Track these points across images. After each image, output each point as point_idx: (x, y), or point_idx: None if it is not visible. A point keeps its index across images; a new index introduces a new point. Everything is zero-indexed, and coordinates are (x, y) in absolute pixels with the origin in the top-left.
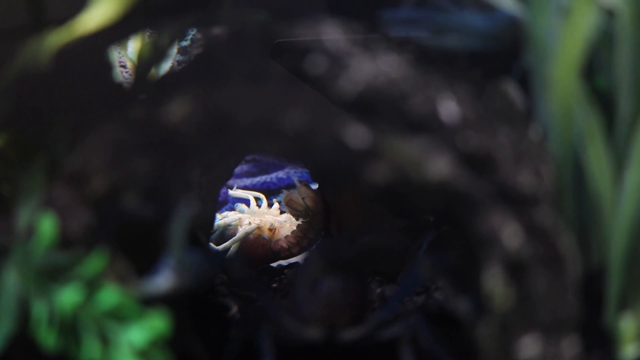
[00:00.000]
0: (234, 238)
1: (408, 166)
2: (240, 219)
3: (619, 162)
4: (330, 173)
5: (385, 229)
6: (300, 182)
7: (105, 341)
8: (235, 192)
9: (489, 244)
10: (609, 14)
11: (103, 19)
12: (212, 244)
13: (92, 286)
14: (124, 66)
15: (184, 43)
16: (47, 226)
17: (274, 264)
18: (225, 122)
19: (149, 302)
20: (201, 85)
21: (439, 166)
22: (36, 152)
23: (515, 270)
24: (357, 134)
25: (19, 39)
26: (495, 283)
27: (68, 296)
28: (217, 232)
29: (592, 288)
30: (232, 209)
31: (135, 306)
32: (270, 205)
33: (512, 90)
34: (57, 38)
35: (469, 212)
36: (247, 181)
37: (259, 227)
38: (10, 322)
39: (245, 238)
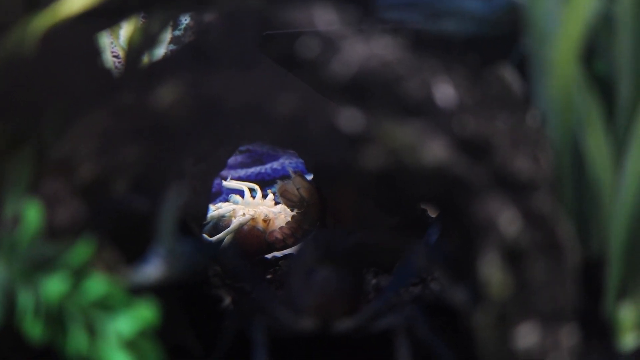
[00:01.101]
0: (228, 229)
1: (403, 151)
2: (234, 210)
3: (619, 148)
4: (325, 163)
5: (377, 227)
6: (294, 172)
7: (92, 331)
8: (229, 183)
9: (486, 230)
10: None
11: (87, 1)
12: (205, 235)
13: (79, 275)
14: (116, 56)
15: (177, 32)
16: (33, 215)
17: (269, 256)
18: (216, 107)
19: (139, 292)
20: (192, 71)
21: (435, 151)
22: (23, 141)
23: (513, 257)
24: (350, 118)
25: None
26: (492, 270)
27: (54, 286)
28: (210, 224)
29: (591, 276)
30: (226, 200)
31: (123, 296)
32: (264, 196)
33: (509, 75)
34: (41, 21)
35: (466, 198)
36: (242, 172)
37: (253, 218)
38: None
39: (240, 229)
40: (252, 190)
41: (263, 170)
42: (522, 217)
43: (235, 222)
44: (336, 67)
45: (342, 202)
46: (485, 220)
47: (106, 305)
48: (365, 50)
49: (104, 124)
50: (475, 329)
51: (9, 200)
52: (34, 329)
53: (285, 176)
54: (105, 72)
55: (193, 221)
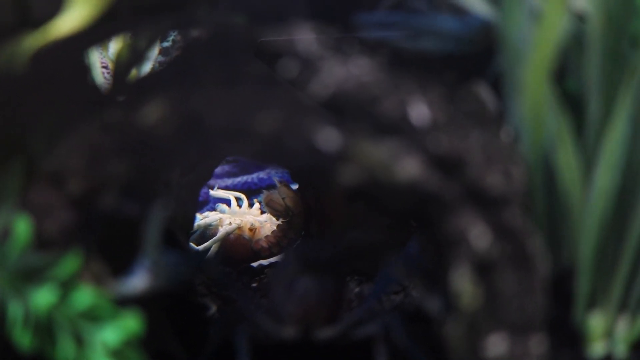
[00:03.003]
0: (214, 238)
1: (378, 168)
2: (221, 219)
3: (588, 164)
4: (309, 173)
5: (368, 226)
6: (280, 182)
7: (80, 341)
8: (216, 192)
9: (457, 244)
10: (579, 19)
11: (77, 22)
12: (192, 244)
13: (67, 287)
14: (105, 67)
15: (166, 44)
16: (23, 228)
17: (255, 264)
18: (200, 125)
19: (125, 303)
20: (177, 88)
21: (409, 168)
22: (13, 154)
23: (483, 270)
24: (327, 137)
25: (3, 38)
26: (463, 283)
27: (43, 297)
28: (197, 232)
29: (562, 287)
30: (213, 209)
31: (109, 307)
32: (251, 205)
33: (484, 92)
34: (32, 41)
35: (438, 213)
36: (228, 181)
37: (239, 227)
38: None
39: (226, 238)
40: (238, 199)
41: (249, 180)
42: (493, 231)
43: (221, 231)
44: (314, 88)
45: (328, 209)
46: (456, 234)
47: (93, 316)
48: (342, 72)
49: (92, 139)
50: (447, 338)
51: None
52: (23, 338)
53: (271, 186)
54: (94, 88)
55: (180, 231)
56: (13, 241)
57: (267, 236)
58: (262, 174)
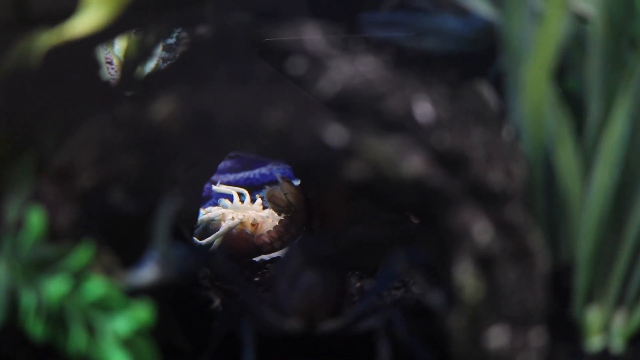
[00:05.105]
0: (217, 232)
1: (383, 164)
2: (223, 214)
3: (588, 162)
4: (312, 170)
5: (370, 221)
6: (282, 178)
7: (91, 331)
8: (218, 188)
9: (460, 238)
10: (579, 19)
11: (92, 23)
12: (195, 239)
13: (78, 278)
14: (110, 62)
15: (170, 40)
16: (36, 219)
17: (257, 259)
18: (209, 121)
19: (134, 294)
20: (186, 85)
21: (413, 164)
22: (25, 148)
23: (485, 264)
24: (335, 133)
25: (4, 33)
26: (465, 276)
27: (55, 287)
28: (200, 227)
29: (560, 282)
30: (216, 204)
31: (120, 297)
32: (253, 200)
33: (486, 91)
34: (46, 39)
35: (442, 208)
36: (231, 177)
37: (241, 222)
38: (0, 313)
39: (229, 233)
40: (240, 194)
41: (252, 176)
42: (495, 226)
43: (224, 226)
44: (322, 85)
45: (329, 206)
46: (459, 229)
47: (104, 306)
48: (349, 69)
49: (103, 134)
50: (450, 331)
51: (11, 204)
52: (36, 328)
53: (273, 181)
54: (104, 84)
55: (184, 225)
56: (26, 232)
57: (269, 231)
58: (264, 170)
